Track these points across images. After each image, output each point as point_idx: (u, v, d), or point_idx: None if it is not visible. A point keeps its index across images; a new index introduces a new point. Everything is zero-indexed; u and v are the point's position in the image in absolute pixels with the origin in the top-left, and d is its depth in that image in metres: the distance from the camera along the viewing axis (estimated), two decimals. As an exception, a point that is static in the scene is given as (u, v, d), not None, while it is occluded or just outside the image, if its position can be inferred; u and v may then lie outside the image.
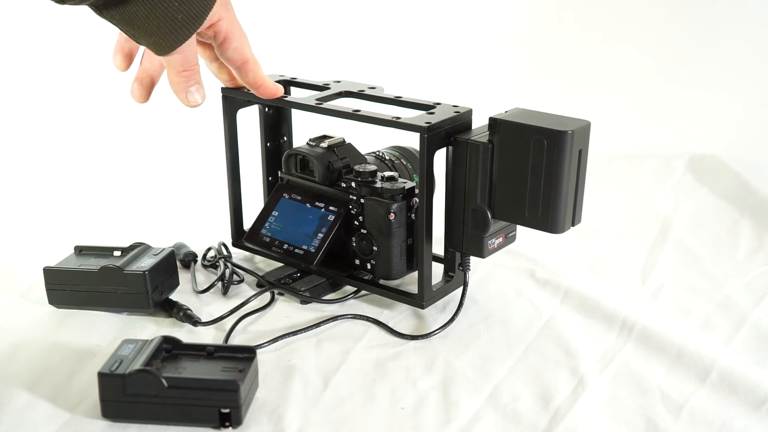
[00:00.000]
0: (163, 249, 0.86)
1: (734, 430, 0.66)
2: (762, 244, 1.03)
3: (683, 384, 0.73)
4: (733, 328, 0.82)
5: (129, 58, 0.79)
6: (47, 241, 1.01)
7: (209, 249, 0.97)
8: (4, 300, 0.87)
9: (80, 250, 0.87)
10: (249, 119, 0.97)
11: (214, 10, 0.69)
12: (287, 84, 0.91)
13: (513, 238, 0.83)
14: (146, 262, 0.82)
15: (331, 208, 0.88)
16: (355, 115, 0.81)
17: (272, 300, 0.87)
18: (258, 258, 0.97)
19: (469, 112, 0.80)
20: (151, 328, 0.82)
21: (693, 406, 0.69)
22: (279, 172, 0.94)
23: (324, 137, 0.90)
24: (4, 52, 1.31)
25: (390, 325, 0.82)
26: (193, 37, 0.70)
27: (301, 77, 0.91)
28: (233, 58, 0.78)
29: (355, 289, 0.89)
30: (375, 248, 0.84)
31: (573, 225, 0.76)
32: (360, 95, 0.88)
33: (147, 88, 0.78)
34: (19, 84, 1.34)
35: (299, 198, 0.90)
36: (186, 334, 0.80)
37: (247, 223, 0.96)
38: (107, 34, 0.76)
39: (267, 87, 0.82)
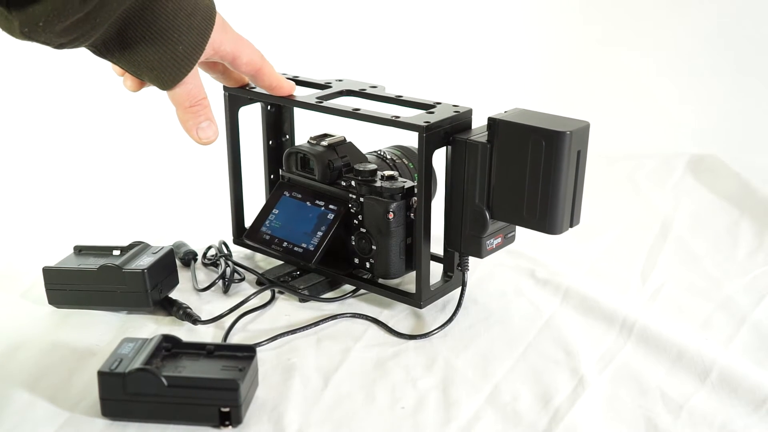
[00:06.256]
0: (162, 247, 0.86)
1: (734, 430, 0.66)
2: (762, 244, 1.03)
3: (683, 384, 0.72)
4: (733, 328, 0.82)
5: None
6: (47, 241, 1.01)
7: (209, 247, 0.97)
8: (4, 300, 0.87)
9: (79, 250, 0.87)
10: (251, 117, 0.97)
11: (213, 36, 0.68)
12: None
13: (512, 239, 0.82)
14: (145, 261, 0.82)
15: (331, 206, 0.88)
16: (354, 114, 0.81)
17: (272, 298, 0.87)
18: (258, 256, 0.97)
19: (469, 111, 0.80)
20: (150, 327, 0.82)
21: (693, 406, 0.69)
22: (280, 170, 0.94)
23: (324, 136, 0.90)
24: (3, 52, 1.31)
25: (389, 325, 0.82)
26: (196, 70, 0.69)
27: (303, 76, 0.91)
28: (248, 71, 0.78)
29: (353, 287, 0.89)
30: (374, 247, 0.84)
31: (571, 226, 0.76)
32: (361, 94, 0.88)
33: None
34: (19, 84, 1.34)
35: (299, 196, 0.90)
36: (186, 332, 0.80)
37: (249, 221, 0.96)
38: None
39: (282, 87, 0.83)
